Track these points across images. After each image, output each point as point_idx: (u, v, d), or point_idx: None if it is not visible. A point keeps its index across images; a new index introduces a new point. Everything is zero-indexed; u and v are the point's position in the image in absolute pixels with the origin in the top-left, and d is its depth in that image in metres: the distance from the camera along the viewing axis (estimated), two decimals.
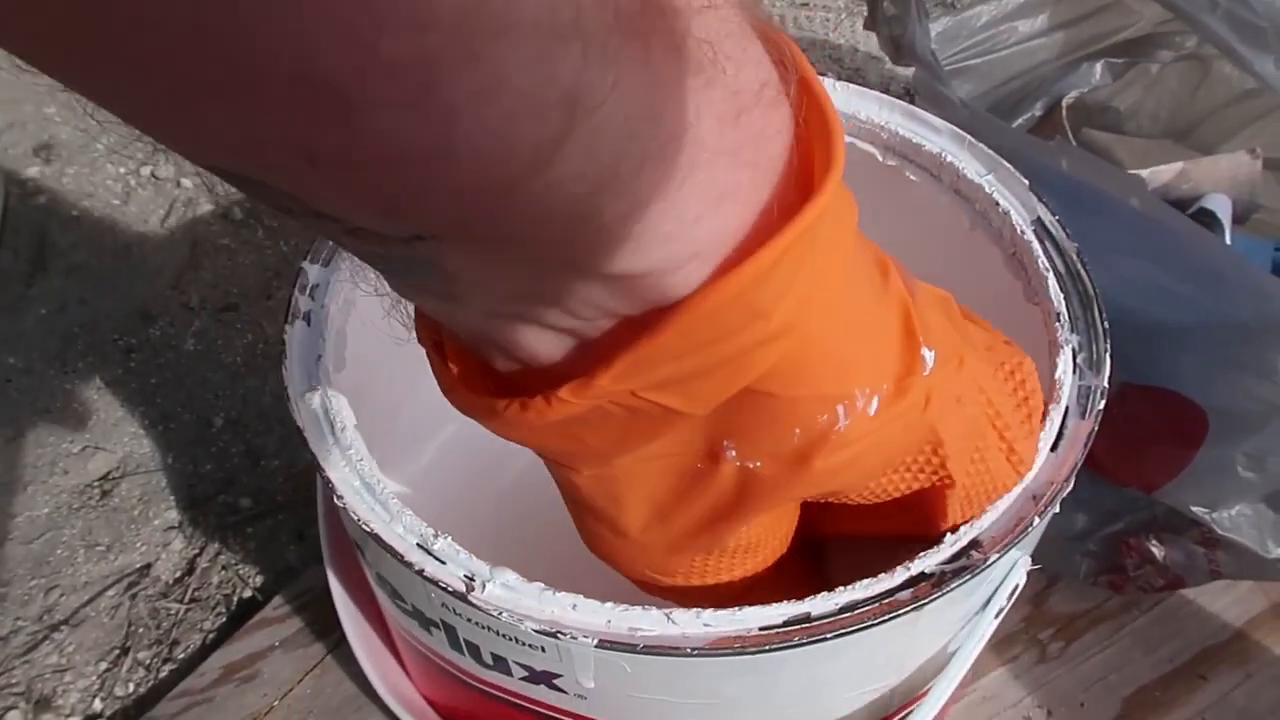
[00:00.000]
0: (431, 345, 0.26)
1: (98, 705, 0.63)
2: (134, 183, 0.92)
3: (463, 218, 0.18)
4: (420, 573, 0.29)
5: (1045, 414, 0.33)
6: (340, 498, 0.31)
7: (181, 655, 0.64)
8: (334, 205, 0.18)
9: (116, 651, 0.65)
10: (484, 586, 0.29)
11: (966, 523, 0.30)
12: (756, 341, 0.22)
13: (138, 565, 0.69)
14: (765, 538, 0.29)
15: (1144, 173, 0.70)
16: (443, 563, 0.29)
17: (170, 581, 0.68)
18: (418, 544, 0.30)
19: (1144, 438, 0.52)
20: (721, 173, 0.20)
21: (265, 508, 0.71)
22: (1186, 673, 0.59)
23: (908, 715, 0.32)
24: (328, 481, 0.31)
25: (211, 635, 0.65)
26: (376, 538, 0.30)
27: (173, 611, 0.66)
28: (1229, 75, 0.78)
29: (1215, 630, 0.60)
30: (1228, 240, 0.67)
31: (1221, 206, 0.70)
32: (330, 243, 0.39)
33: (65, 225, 0.88)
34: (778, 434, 0.25)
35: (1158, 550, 0.54)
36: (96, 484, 0.73)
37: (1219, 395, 0.50)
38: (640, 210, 0.19)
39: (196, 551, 0.69)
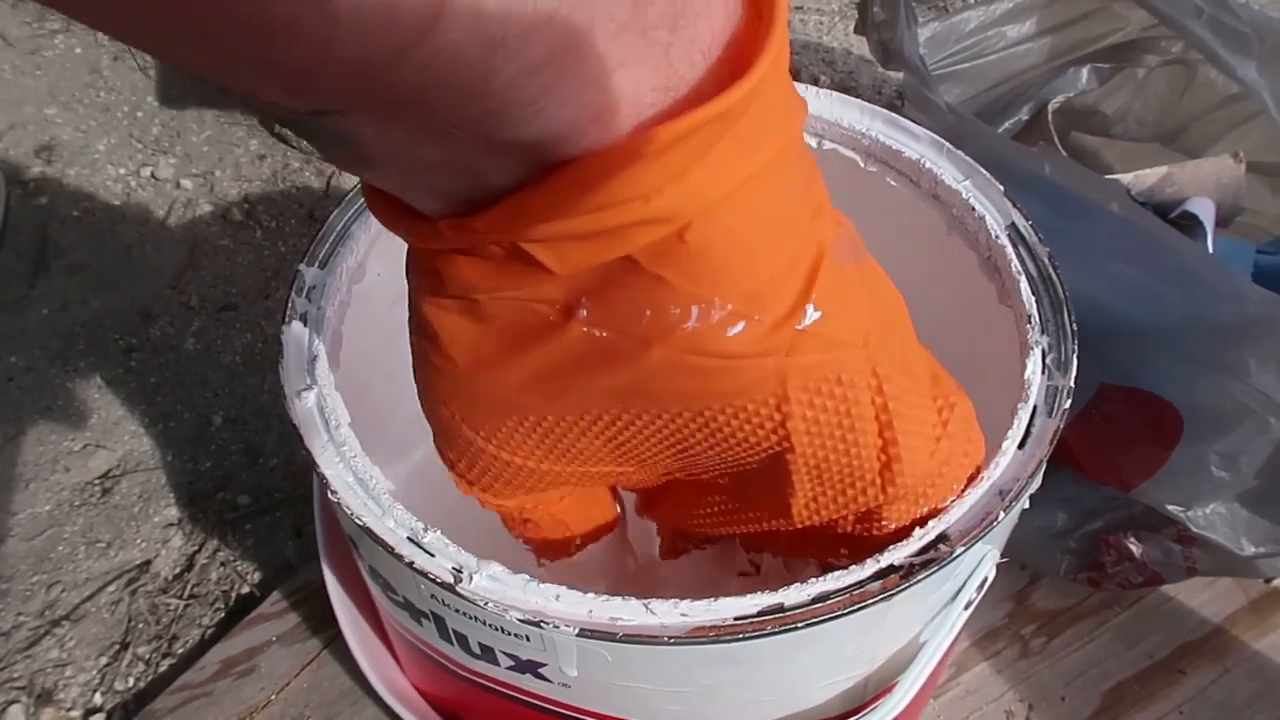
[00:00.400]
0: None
1: (98, 699, 0.64)
2: (134, 183, 0.93)
3: (355, 91, 0.18)
4: (410, 565, 0.30)
5: (1014, 413, 0.34)
6: (334, 493, 0.32)
7: (181, 650, 0.66)
8: (235, 82, 0.18)
9: (117, 646, 0.66)
10: (471, 578, 0.30)
11: (823, 518, 0.29)
12: (633, 221, 0.22)
13: (138, 561, 0.70)
14: (573, 514, 0.30)
15: (1129, 176, 0.71)
16: (432, 555, 0.31)
17: (170, 578, 0.69)
18: (408, 537, 0.31)
19: (1122, 437, 0.53)
20: (629, 45, 0.19)
21: (263, 505, 0.72)
22: (1165, 668, 0.60)
23: (881, 704, 0.33)
24: (322, 477, 0.32)
25: (210, 630, 0.66)
26: (369, 531, 0.31)
27: (172, 607, 0.67)
28: (1214, 80, 0.79)
29: (1194, 626, 0.61)
30: (1210, 242, 0.68)
31: (1205, 209, 0.71)
32: (326, 246, 0.40)
33: (66, 225, 0.89)
34: (630, 308, 0.24)
35: (1136, 548, 0.55)
36: (97, 481, 0.74)
37: (1194, 395, 0.51)
38: (539, 72, 0.18)
39: (196, 548, 0.70)
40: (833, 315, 0.26)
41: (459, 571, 0.30)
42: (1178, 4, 0.70)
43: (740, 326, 0.25)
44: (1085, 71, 0.79)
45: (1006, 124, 0.79)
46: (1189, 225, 0.70)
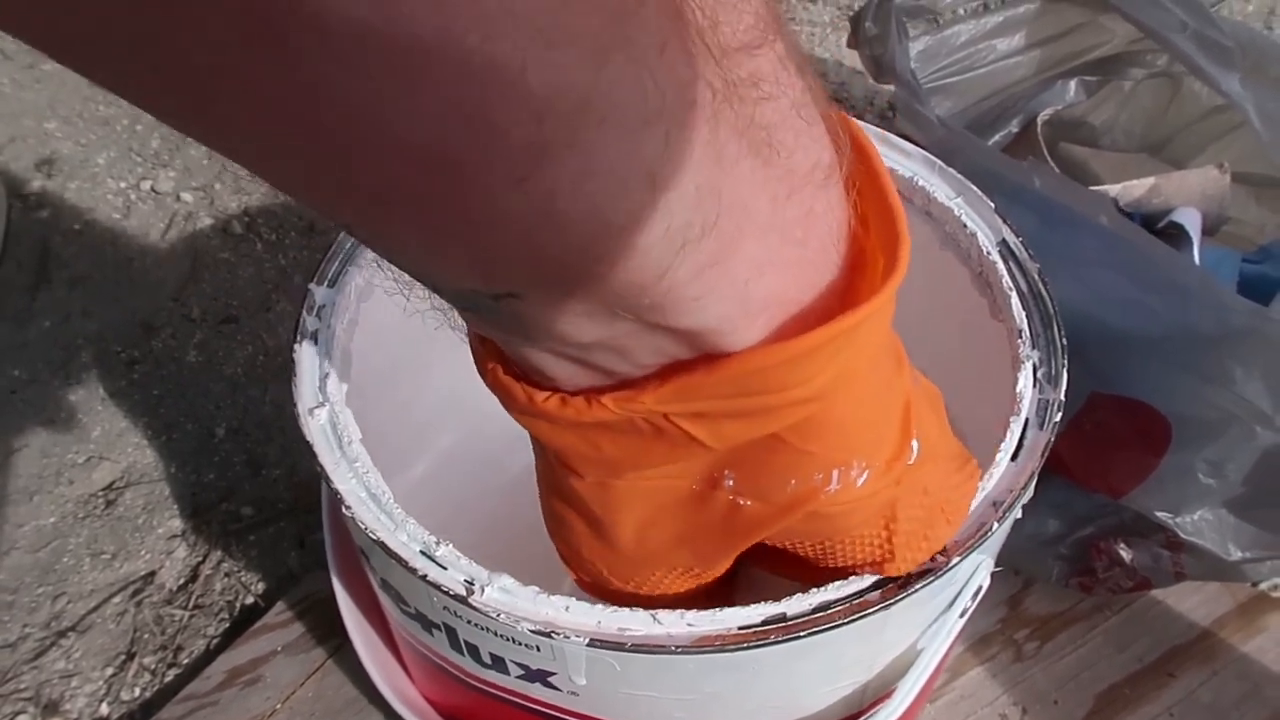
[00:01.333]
0: (476, 339, 0.28)
1: (104, 709, 0.65)
2: (134, 197, 0.94)
3: (554, 278, 0.20)
4: (424, 578, 0.31)
5: (1006, 426, 0.35)
6: (348, 508, 0.33)
7: (186, 660, 0.66)
8: (439, 265, 0.21)
9: (122, 657, 0.67)
10: (483, 590, 0.31)
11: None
12: (791, 401, 0.25)
13: (142, 573, 0.71)
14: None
15: (1117, 187, 0.72)
16: (444, 568, 0.32)
17: (174, 588, 0.70)
18: (421, 551, 0.32)
19: (1112, 445, 0.55)
20: (774, 245, 0.22)
21: (267, 516, 0.73)
22: (1155, 671, 0.61)
23: (879, 709, 0.35)
24: (336, 493, 0.33)
25: (215, 640, 0.67)
26: (382, 545, 0.32)
27: (177, 618, 0.68)
28: (1199, 92, 0.80)
29: (1183, 630, 0.63)
30: (1196, 251, 0.70)
31: (1191, 219, 0.73)
32: (335, 265, 0.41)
33: (67, 238, 0.90)
34: (776, 479, 0.28)
35: (1125, 553, 0.57)
36: (101, 493, 0.75)
37: (1182, 404, 0.52)
38: (704, 272, 0.21)
39: (200, 559, 0.71)
40: (921, 442, 0.29)
41: (471, 584, 0.31)
42: (1163, 18, 0.72)
43: (865, 476, 0.28)
44: (1073, 84, 0.81)
45: (996, 136, 0.80)
46: (1175, 235, 0.71)
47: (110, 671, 0.66)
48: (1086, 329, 0.56)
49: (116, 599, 0.69)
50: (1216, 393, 0.51)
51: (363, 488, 0.34)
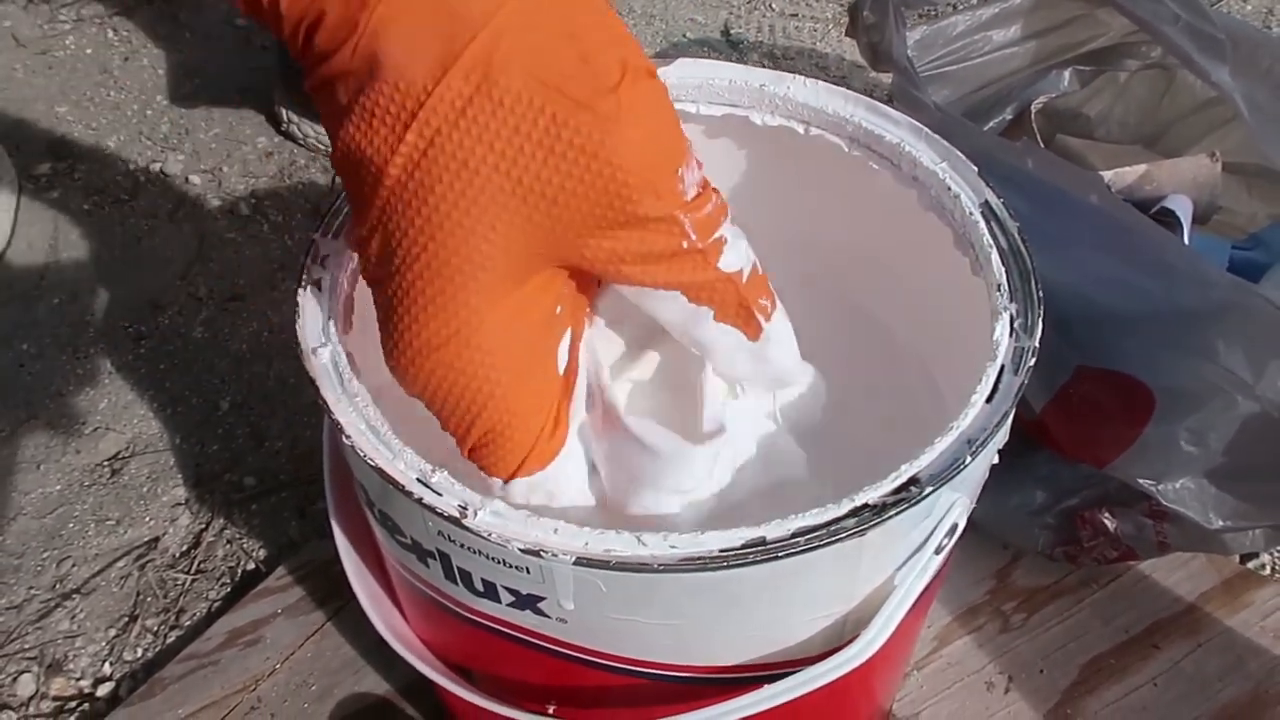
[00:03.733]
0: None
1: (107, 669, 0.66)
2: (143, 179, 0.96)
3: None
4: (419, 501, 0.32)
5: (982, 375, 0.36)
6: (348, 437, 0.34)
7: (188, 622, 0.68)
8: None
9: (126, 619, 0.68)
10: (475, 513, 0.32)
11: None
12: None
13: (146, 538, 0.72)
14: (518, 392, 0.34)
15: (1110, 174, 0.74)
16: (439, 494, 0.33)
17: (177, 554, 0.71)
18: (417, 478, 0.33)
19: (1097, 416, 0.56)
20: None
21: (269, 486, 0.74)
22: (1141, 642, 0.62)
23: (858, 640, 0.36)
24: (337, 424, 0.35)
25: (217, 604, 0.68)
26: (381, 471, 0.33)
27: (180, 581, 0.69)
28: (1192, 84, 0.82)
29: (1169, 603, 0.64)
30: (1187, 238, 0.71)
31: (1182, 207, 0.74)
32: (340, 218, 0.43)
33: (77, 219, 0.92)
34: None
35: (1110, 523, 0.58)
36: (107, 463, 0.76)
37: (1166, 376, 0.54)
38: None
39: (203, 526, 0.72)
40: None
41: (464, 508, 0.32)
42: (1156, 11, 0.73)
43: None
44: (1067, 74, 0.82)
45: (991, 124, 0.81)
46: (1167, 222, 0.73)
47: (113, 632, 0.67)
48: (1074, 305, 0.57)
49: (120, 563, 0.70)
50: (1200, 365, 0.53)
51: (362, 420, 0.35)
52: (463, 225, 0.30)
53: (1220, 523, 0.54)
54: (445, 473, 0.33)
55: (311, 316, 0.39)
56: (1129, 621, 0.63)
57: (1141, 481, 0.54)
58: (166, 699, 0.62)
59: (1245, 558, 0.68)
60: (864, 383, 0.54)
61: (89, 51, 1.07)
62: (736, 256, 0.34)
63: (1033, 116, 0.79)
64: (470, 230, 0.30)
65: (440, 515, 0.32)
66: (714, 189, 0.34)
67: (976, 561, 0.65)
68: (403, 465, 0.34)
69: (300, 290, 0.39)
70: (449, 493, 0.33)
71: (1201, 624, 0.63)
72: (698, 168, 0.33)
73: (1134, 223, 0.58)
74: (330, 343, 0.38)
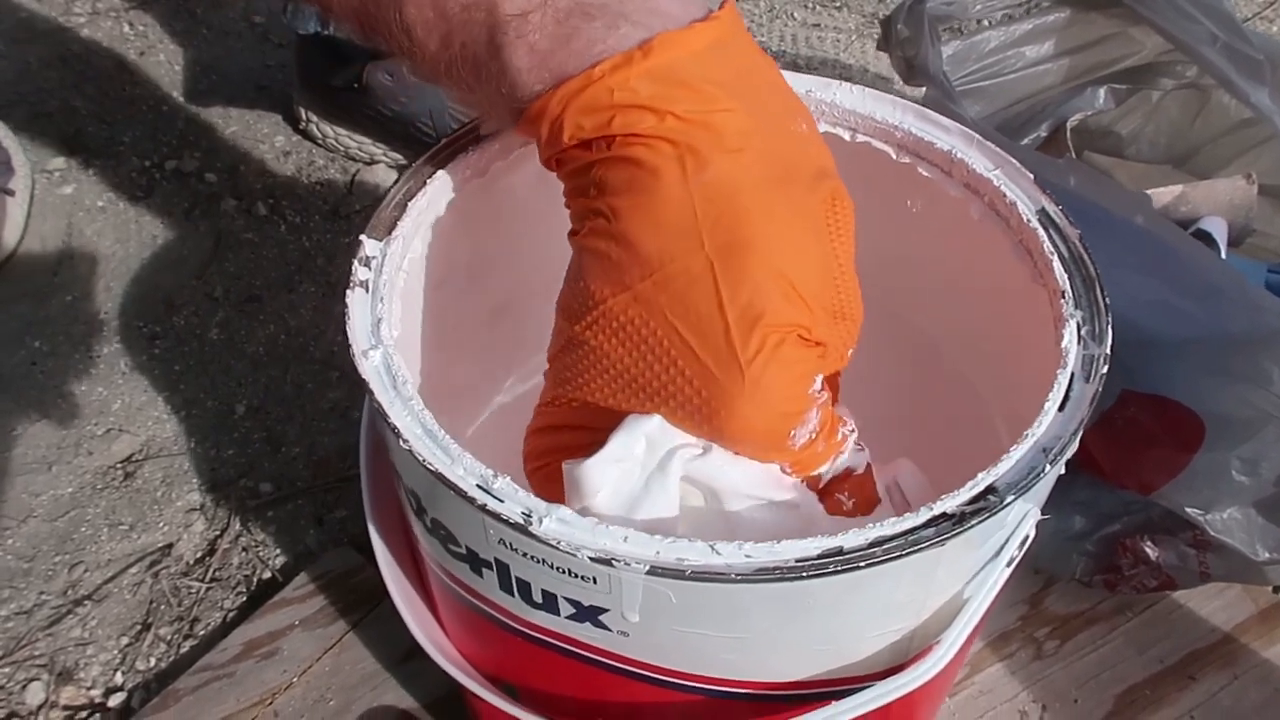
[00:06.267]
0: None
1: (119, 678, 0.64)
2: (158, 176, 0.94)
3: None
4: (483, 508, 0.31)
5: (1052, 380, 0.35)
6: (405, 441, 0.33)
7: (202, 632, 0.66)
8: None
9: (138, 627, 0.66)
10: (541, 521, 0.31)
11: None
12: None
13: (160, 545, 0.70)
14: None
15: (1145, 195, 0.73)
16: (501, 500, 0.32)
17: (191, 561, 0.70)
18: (478, 485, 0.32)
19: (1143, 442, 0.55)
20: None
21: (285, 493, 0.73)
22: (1176, 673, 0.61)
23: (924, 660, 0.35)
24: (393, 428, 0.33)
25: (232, 614, 0.67)
26: (440, 477, 0.32)
27: (194, 590, 0.68)
28: (1227, 104, 0.81)
29: (1204, 633, 0.62)
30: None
31: (1218, 229, 0.73)
32: (385, 216, 0.41)
33: (91, 215, 0.90)
34: None
35: (1152, 551, 0.57)
36: (120, 465, 0.74)
37: (1215, 403, 0.53)
38: None
39: (218, 533, 0.71)
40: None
41: (529, 514, 0.31)
42: (1193, 30, 0.72)
43: None
44: (1102, 91, 0.81)
45: (1025, 140, 0.80)
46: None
47: (126, 641, 0.66)
48: (1118, 327, 0.56)
49: (134, 569, 0.69)
50: (1252, 392, 0.52)
51: (418, 424, 0.34)
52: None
53: (1266, 554, 0.53)
54: (508, 479, 0.32)
55: (360, 319, 0.37)
56: (1164, 651, 0.62)
57: (1189, 510, 0.53)
58: (180, 711, 0.60)
59: (1279, 588, 0.67)
60: (908, 394, 0.53)
61: (105, 46, 1.06)
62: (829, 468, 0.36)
63: (1068, 134, 0.78)
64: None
65: (505, 522, 0.31)
66: (836, 424, 0.36)
67: (1009, 586, 0.64)
68: (462, 470, 0.33)
69: (348, 292, 0.38)
70: (512, 499, 0.32)
71: (1238, 655, 0.62)
72: (817, 412, 0.34)
73: (1180, 244, 0.57)
74: (381, 345, 0.36)
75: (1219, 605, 0.63)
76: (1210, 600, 0.64)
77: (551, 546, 0.30)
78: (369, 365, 0.35)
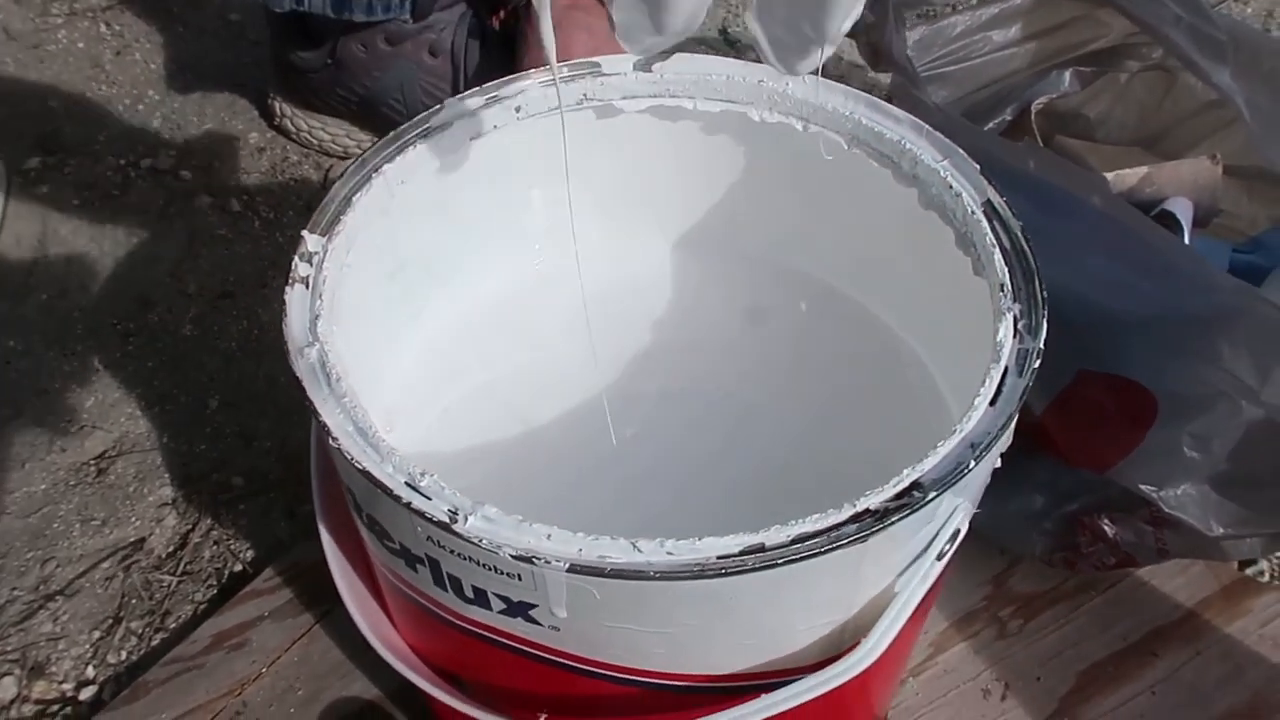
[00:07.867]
0: None
1: (90, 672, 0.65)
2: (133, 174, 0.94)
3: None
4: (408, 506, 0.31)
5: (985, 378, 0.35)
6: (335, 439, 0.33)
7: (173, 625, 0.67)
8: None
9: (110, 621, 0.67)
10: (466, 518, 0.31)
11: None
12: None
13: (132, 539, 0.71)
14: None
15: (1110, 176, 0.73)
16: (428, 498, 0.32)
17: (163, 555, 0.70)
18: (406, 482, 0.32)
19: (1099, 420, 0.55)
20: None
21: (257, 486, 0.73)
22: (1139, 650, 0.61)
23: (856, 651, 0.35)
24: (323, 426, 0.34)
25: (203, 606, 0.67)
26: (368, 475, 0.32)
27: (165, 583, 0.68)
28: (1193, 86, 0.81)
29: (1167, 610, 0.63)
30: (1187, 242, 0.70)
31: (1183, 209, 0.73)
32: (329, 214, 0.42)
33: (66, 214, 0.91)
34: None
35: (1109, 528, 0.57)
36: (93, 462, 0.75)
37: (1169, 380, 0.53)
38: None
39: (189, 527, 0.71)
40: None
41: (454, 513, 0.32)
42: (1157, 12, 0.72)
43: None
44: (1068, 75, 0.81)
45: (991, 124, 0.80)
46: (1167, 225, 0.72)
47: (97, 635, 0.66)
48: (1076, 308, 0.56)
49: (105, 564, 0.69)
50: (1204, 369, 0.52)
51: (350, 422, 0.34)
52: None
53: (1221, 530, 0.53)
54: (435, 476, 0.32)
55: (298, 315, 0.38)
56: (1127, 629, 0.62)
57: (1143, 487, 0.53)
58: (150, 703, 0.61)
59: (1244, 564, 0.67)
60: (863, 383, 0.53)
61: (81, 46, 1.06)
62: None
63: (1033, 117, 0.78)
64: None
65: (429, 520, 0.31)
66: None
67: (973, 567, 0.64)
68: (391, 469, 0.33)
69: (287, 288, 0.39)
70: (439, 497, 0.32)
71: (1200, 631, 0.62)
72: None
73: (1137, 225, 0.58)
74: (318, 342, 0.37)
75: (1182, 583, 0.64)
76: (1174, 578, 0.64)
77: (475, 544, 0.31)
78: (304, 364, 0.36)
